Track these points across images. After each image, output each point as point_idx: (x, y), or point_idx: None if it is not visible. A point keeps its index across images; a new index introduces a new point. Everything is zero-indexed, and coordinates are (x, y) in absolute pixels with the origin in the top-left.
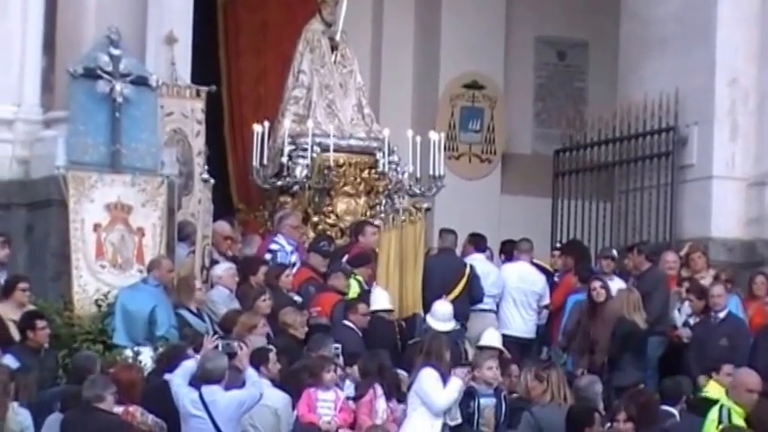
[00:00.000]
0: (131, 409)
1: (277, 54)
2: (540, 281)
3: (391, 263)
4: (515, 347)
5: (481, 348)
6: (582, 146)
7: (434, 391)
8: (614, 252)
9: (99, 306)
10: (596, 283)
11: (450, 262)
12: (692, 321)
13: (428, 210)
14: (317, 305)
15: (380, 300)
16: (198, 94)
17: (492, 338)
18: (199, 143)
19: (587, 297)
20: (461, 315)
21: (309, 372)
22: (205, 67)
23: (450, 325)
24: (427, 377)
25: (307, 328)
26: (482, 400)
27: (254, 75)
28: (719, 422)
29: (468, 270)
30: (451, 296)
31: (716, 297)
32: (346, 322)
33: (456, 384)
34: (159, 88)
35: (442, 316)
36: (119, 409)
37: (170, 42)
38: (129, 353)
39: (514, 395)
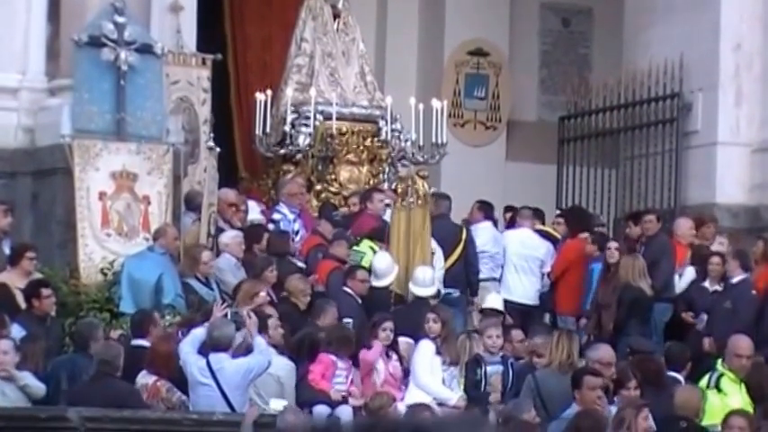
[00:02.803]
0: (159, 383)
1: (281, 21)
2: (541, 246)
3: (401, 242)
4: (517, 313)
5: (483, 311)
6: (587, 113)
7: (422, 368)
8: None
9: (105, 274)
10: (612, 244)
11: (447, 227)
12: (708, 286)
13: (425, 177)
14: (316, 272)
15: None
16: (204, 63)
17: (495, 302)
18: (205, 111)
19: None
20: (461, 281)
21: (341, 341)
22: (210, 34)
23: (430, 290)
24: (422, 349)
25: (308, 298)
26: (489, 368)
27: (259, 42)
28: (708, 386)
29: (464, 234)
30: (450, 261)
31: (729, 264)
32: (345, 288)
33: (444, 393)
34: (165, 56)
35: (422, 281)
36: (150, 380)
37: (176, 10)
38: None
39: (521, 361)
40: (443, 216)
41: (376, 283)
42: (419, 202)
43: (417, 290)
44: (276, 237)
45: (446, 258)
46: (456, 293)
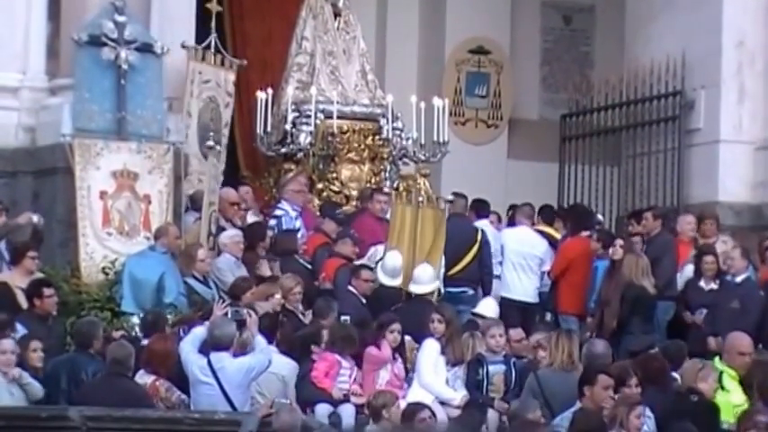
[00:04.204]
0: (158, 383)
1: (281, 18)
2: (540, 244)
3: (405, 239)
4: (516, 311)
5: (474, 315)
6: (589, 110)
7: (426, 367)
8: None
9: (106, 274)
10: (618, 241)
11: (462, 227)
12: (704, 285)
13: (427, 175)
14: (323, 271)
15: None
16: (231, 66)
17: (487, 308)
18: (227, 115)
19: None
20: (475, 279)
21: (345, 340)
22: (210, 31)
23: (428, 287)
24: (426, 348)
25: (297, 296)
26: (491, 367)
27: (259, 39)
28: None
29: (479, 236)
30: (464, 262)
31: (734, 261)
32: (350, 288)
33: (448, 393)
34: (184, 50)
35: (422, 279)
36: (148, 380)
37: (211, 10)
38: (136, 320)
39: (524, 360)
40: (459, 215)
41: (389, 282)
42: (428, 201)
43: (417, 288)
44: (282, 235)
45: (462, 257)
46: (470, 292)
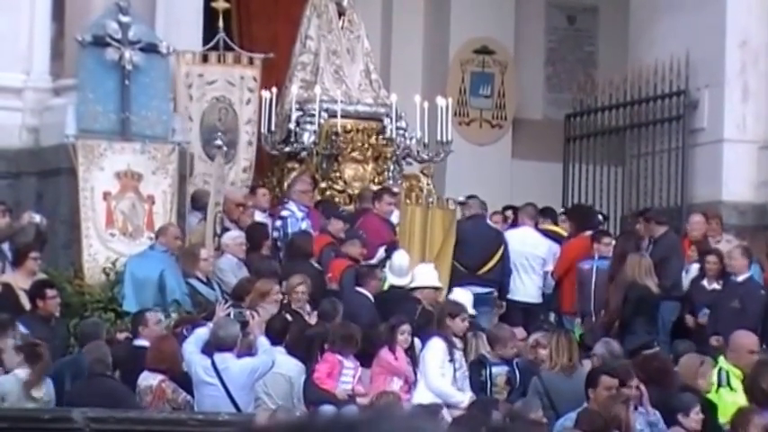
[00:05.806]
0: (164, 384)
1: (287, 18)
2: (542, 245)
3: (415, 238)
4: (518, 312)
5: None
6: (593, 110)
7: (433, 369)
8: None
9: (107, 274)
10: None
11: (485, 230)
12: (707, 284)
13: (431, 175)
14: (330, 271)
15: (427, 276)
16: (251, 62)
17: (461, 296)
18: (249, 111)
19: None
20: (497, 283)
21: (345, 340)
22: (216, 31)
23: (406, 280)
24: (432, 349)
25: (304, 295)
26: (494, 369)
27: (265, 40)
28: (719, 384)
29: (503, 238)
30: (491, 263)
31: (735, 261)
32: (359, 289)
33: (456, 396)
34: (173, 55)
35: (399, 270)
36: (154, 381)
37: (218, 9)
38: None
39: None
40: (479, 217)
41: (397, 281)
42: (440, 204)
43: (393, 279)
44: (299, 236)
45: (488, 260)
46: (495, 293)
